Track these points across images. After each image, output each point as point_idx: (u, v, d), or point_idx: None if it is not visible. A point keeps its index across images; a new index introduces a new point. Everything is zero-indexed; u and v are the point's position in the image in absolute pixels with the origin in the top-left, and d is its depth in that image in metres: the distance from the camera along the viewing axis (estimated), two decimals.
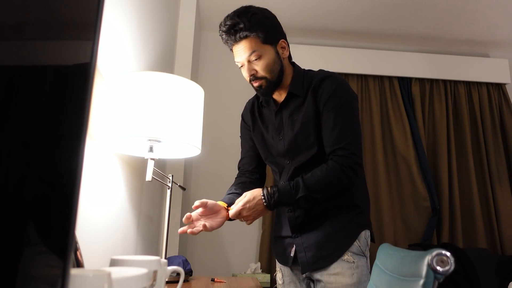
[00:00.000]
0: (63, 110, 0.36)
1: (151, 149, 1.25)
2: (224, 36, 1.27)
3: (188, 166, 2.75)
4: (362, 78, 3.46)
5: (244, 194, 1.23)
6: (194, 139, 1.27)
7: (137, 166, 1.56)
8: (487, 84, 3.58)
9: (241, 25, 1.23)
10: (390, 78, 3.50)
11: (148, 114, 1.15)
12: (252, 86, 1.32)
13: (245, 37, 1.24)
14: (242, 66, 1.30)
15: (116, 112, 1.16)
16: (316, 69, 1.42)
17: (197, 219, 1.20)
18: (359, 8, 3.08)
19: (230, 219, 1.25)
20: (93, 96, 0.37)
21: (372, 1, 2.99)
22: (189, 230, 1.16)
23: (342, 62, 3.37)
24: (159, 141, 1.23)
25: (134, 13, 1.51)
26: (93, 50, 0.36)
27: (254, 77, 1.28)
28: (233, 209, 1.21)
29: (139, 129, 1.15)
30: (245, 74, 1.30)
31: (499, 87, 3.60)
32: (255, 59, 1.26)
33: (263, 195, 1.20)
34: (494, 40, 3.56)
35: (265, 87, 1.29)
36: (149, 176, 1.28)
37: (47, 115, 0.35)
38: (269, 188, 1.22)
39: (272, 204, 1.20)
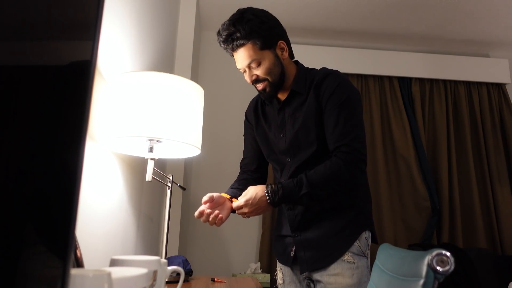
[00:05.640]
0: (63, 110, 0.36)
1: (151, 149, 1.25)
2: (222, 45, 1.29)
3: (188, 166, 2.75)
4: (362, 78, 3.46)
5: (247, 189, 1.24)
6: (194, 139, 1.26)
7: (137, 166, 1.56)
8: (487, 84, 3.58)
9: (238, 34, 1.23)
10: (390, 78, 3.49)
11: (148, 114, 1.15)
12: (256, 89, 1.35)
13: (242, 45, 1.25)
14: (244, 72, 1.32)
15: (116, 112, 1.16)
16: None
17: (209, 213, 1.21)
18: (359, 8, 3.08)
19: (233, 211, 1.27)
20: (93, 96, 0.37)
21: (372, 1, 2.99)
22: (212, 216, 1.19)
23: (342, 62, 3.36)
24: (159, 141, 1.23)
25: (134, 13, 1.51)
26: (93, 50, 0.36)
27: (256, 81, 1.31)
28: (235, 203, 1.23)
29: (139, 129, 1.15)
30: (247, 79, 1.33)
31: (499, 87, 3.60)
32: (255, 66, 1.28)
33: (267, 192, 1.21)
34: (494, 40, 3.56)
35: (269, 90, 1.31)
36: (149, 176, 1.28)
37: (47, 115, 0.35)
38: (273, 185, 1.22)
39: (276, 201, 1.21)
